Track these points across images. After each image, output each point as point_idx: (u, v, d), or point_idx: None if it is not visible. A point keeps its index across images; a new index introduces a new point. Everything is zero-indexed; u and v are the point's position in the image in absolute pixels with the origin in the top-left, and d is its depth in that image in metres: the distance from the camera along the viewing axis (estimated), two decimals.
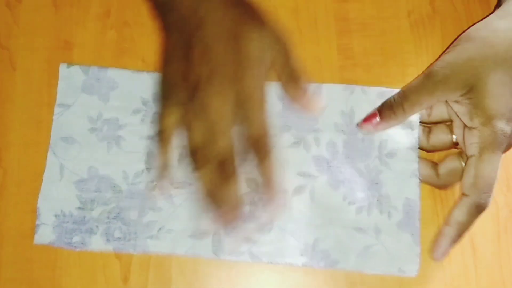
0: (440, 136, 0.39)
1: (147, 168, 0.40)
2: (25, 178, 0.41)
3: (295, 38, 0.43)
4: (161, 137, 0.37)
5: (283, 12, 0.44)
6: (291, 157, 0.40)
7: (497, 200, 0.40)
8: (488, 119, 0.35)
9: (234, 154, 0.35)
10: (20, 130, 0.42)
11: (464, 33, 0.38)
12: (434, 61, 0.38)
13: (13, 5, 0.44)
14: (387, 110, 0.39)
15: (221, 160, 0.35)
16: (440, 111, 0.39)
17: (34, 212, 0.40)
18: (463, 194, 0.36)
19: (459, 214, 0.36)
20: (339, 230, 0.39)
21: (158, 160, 0.37)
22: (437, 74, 0.37)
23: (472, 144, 0.36)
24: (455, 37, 0.39)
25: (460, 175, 0.37)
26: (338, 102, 0.41)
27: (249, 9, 0.38)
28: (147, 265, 0.39)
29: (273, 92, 0.41)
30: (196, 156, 0.35)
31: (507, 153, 0.41)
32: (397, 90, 0.39)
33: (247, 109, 0.35)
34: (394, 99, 0.39)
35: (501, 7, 0.38)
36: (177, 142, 0.39)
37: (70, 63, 0.42)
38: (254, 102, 0.35)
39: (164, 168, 0.37)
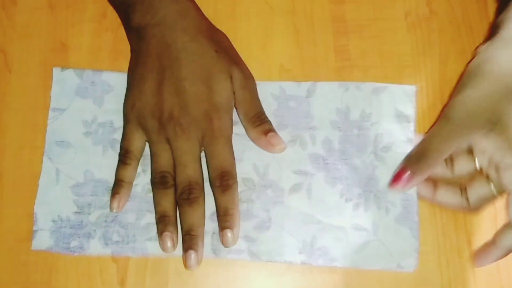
0: (463, 166, 0.38)
1: (143, 171, 0.40)
2: (21, 182, 0.40)
3: (292, 39, 0.43)
4: (126, 157, 0.39)
5: (280, 13, 0.44)
6: (287, 155, 0.40)
7: (495, 202, 0.40)
8: None
9: (199, 181, 0.38)
10: (16, 133, 0.41)
11: (469, 69, 0.37)
12: (447, 103, 0.37)
13: (8, 7, 0.44)
14: (415, 165, 0.37)
15: (187, 186, 0.37)
16: (464, 163, 0.38)
17: (30, 216, 0.40)
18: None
19: (509, 240, 0.36)
20: (336, 227, 0.39)
21: (120, 176, 0.39)
22: (455, 118, 0.36)
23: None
24: (452, 38, 0.39)
25: (491, 200, 0.37)
26: (333, 99, 0.41)
27: (221, 47, 0.40)
28: (144, 268, 0.39)
29: (268, 92, 0.41)
30: (162, 178, 0.38)
31: None
32: (391, 85, 0.39)
33: (216, 146, 0.38)
34: (417, 152, 0.37)
35: (498, 35, 0.37)
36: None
37: (65, 66, 0.42)
38: (219, 141, 0.38)
39: (124, 186, 0.39)
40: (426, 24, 0.44)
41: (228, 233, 0.37)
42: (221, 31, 0.42)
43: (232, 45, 0.42)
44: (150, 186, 0.39)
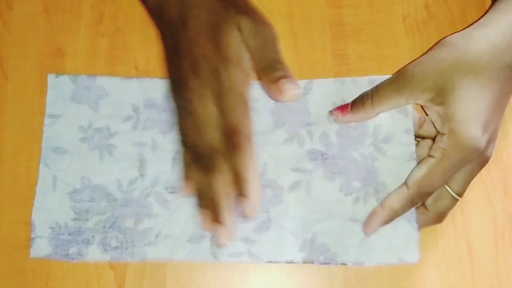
0: (424, 150, 0.39)
1: (140, 175, 0.40)
2: (18, 188, 0.40)
3: (290, 43, 0.43)
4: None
5: (278, 17, 0.44)
6: (285, 153, 0.40)
7: (494, 206, 0.40)
8: (457, 125, 0.35)
9: (220, 148, 0.34)
10: (12, 139, 0.41)
11: (441, 39, 0.38)
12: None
13: (4, 13, 0.44)
14: (358, 102, 0.39)
15: (207, 155, 0.34)
16: (430, 126, 0.39)
17: (27, 223, 0.39)
18: (405, 184, 0.37)
19: (395, 202, 0.37)
20: (337, 222, 0.39)
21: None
22: (407, 73, 0.37)
23: (437, 148, 0.36)
24: None
25: (444, 199, 0.38)
26: (330, 94, 0.41)
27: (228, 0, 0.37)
28: (142, 275, 0.39)
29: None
30: (186, 153, 0.36)
31: (505, 158, 0.41)
32: (387, 76, 0.39)
33: (226, 102, 0.34)
34: (366, 93, 0.39)
35: (479, 20, 0.39)
36: (169, 146, 0.40)
37: (62, 71, 0.42)
38: (232, 95, 0.34)
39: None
40: (425, 28, 0.44)
41: (246, 204, 0.33)
42: None
43: None
44: (147, 191, 0.39)
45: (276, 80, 0.35)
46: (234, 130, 0.34)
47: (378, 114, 0.39)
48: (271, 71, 0.36)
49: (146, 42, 0.42)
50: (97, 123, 0.41)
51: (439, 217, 0.38)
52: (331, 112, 0.40)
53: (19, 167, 0.41)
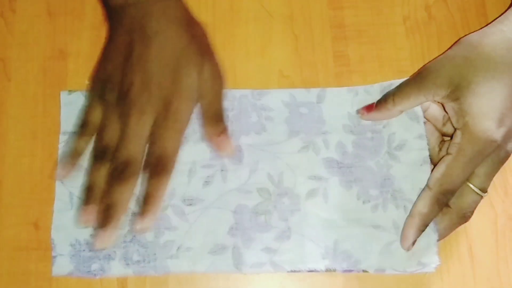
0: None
1: None
2: (21, 190, 0.40)
3: (291, 45, 0.43)
4: (83, 128, 0.39)
5: (279, 19, 0.44)
6: (301, 161, 0.40)
7: (495, 206, 0.40)
8: (471, 118, 0.35)
9: (137, 162, 0.36)
10: (15, 141, 0.41)
11: (459, 39, 0.39)
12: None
13: (7, 15, 0.44)
14: (382, 101, 0.40)
15: (124, 162, 0.36)
16: (434, 110, 0.40)
17: (29, 224, 0.40)
18: (427, 186, 0.37)
19: (421, 206, 0.37)
20: (357, 229, 0.39)
21: (72, 145, 0.39)
22: (424, 71, 0.38)
23: (453, 144, 0.36)
24: (451, 43, 0.39)
25: (467, 196, 0.37)
26: (344, 104, 0.41)
27: (196, 38, 0.39)
28: (144, 277, 0.39)
29: (279, 99, 0.41)
30: (101, 152, 0.37)
31: None
32: (397, 81, 0.40)
33: (162, 129, 0.36)
34: (389, 92, 0.40)
35: (496, 19, 0.39)
36: (185, 158, 0.39)
37: (64, 73, 0.42)
38: (170, 126, 0.37)
39: (73, 155, 0.39)
40: (425, 29, 0.44)
41: (139, 220, 0.36)
42: (200, 23, 0.41)
43: (208, 40, 0.40)
44: (165, 204, 0.39)
45: (219, 134, 0.38)
46: (161, 154, 0.36)
47: (401, 112, 0.40)
48: (216, 122, 0.38)
49: None
50: None
51: (464, 216, 0.38)
52: (358, 111, 0.41)
53: (22, 169, 0.41)
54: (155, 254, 0.39)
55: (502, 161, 0.37)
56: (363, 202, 0.40)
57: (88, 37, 0.43)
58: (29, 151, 0.41)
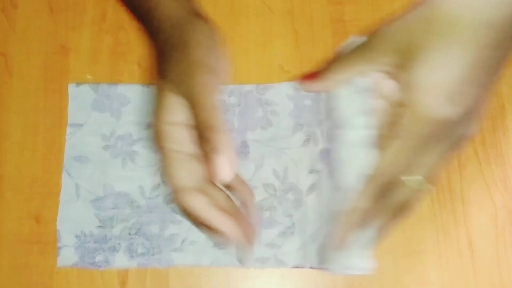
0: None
1: (163, 181, 0.40)
2: (22, 184, 0.41)
3: (291, 40, 0.43)
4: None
5: (279, 14, 0.44)
6: (303, 155, 0.40)
7: (495, 201, 0.40)
8: (418, 94, 0.29)
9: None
10: (17, 136, 0.42)
11: None
12: None
13: (8, 10, 0.44)
14: (325, 68, 0.35)
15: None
16: (388, 85, 0.34)
17: (30, 218, 0.40)
18: (371, 176, 0.32)
19: (363, 199, 0.32)
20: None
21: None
22: (370, 36, 0.32)
23: (401, 126, 0.30)
24: None
25: (406, 187, 0.32)
26: (354, 102, 0.37)
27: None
28: (145, 269, 0.39)
29: (283, 93, 0.41)
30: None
31: (505, 153, 0.41)
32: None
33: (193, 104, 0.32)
34: (333, 59, 0.35)
35: None
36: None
37: (66, 69, 0.42)
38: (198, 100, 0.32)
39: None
40: None
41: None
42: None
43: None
44: (170, 197, 0.39)
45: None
46: (206, 130, 0.31)
47: (346, 81, 0.34)
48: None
49: (149, 39, 0.42)
50: (119, 131, 0.41)
51: (400, 210, 0.32)
52: (299, 82, 0.37)
53: (23, 163, 0.41)
54: (159, 246, 0.39)
55: (454, 146, 0.30)
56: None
57: (89, 33, 0.43)
58: (30, 145, 0.41)
